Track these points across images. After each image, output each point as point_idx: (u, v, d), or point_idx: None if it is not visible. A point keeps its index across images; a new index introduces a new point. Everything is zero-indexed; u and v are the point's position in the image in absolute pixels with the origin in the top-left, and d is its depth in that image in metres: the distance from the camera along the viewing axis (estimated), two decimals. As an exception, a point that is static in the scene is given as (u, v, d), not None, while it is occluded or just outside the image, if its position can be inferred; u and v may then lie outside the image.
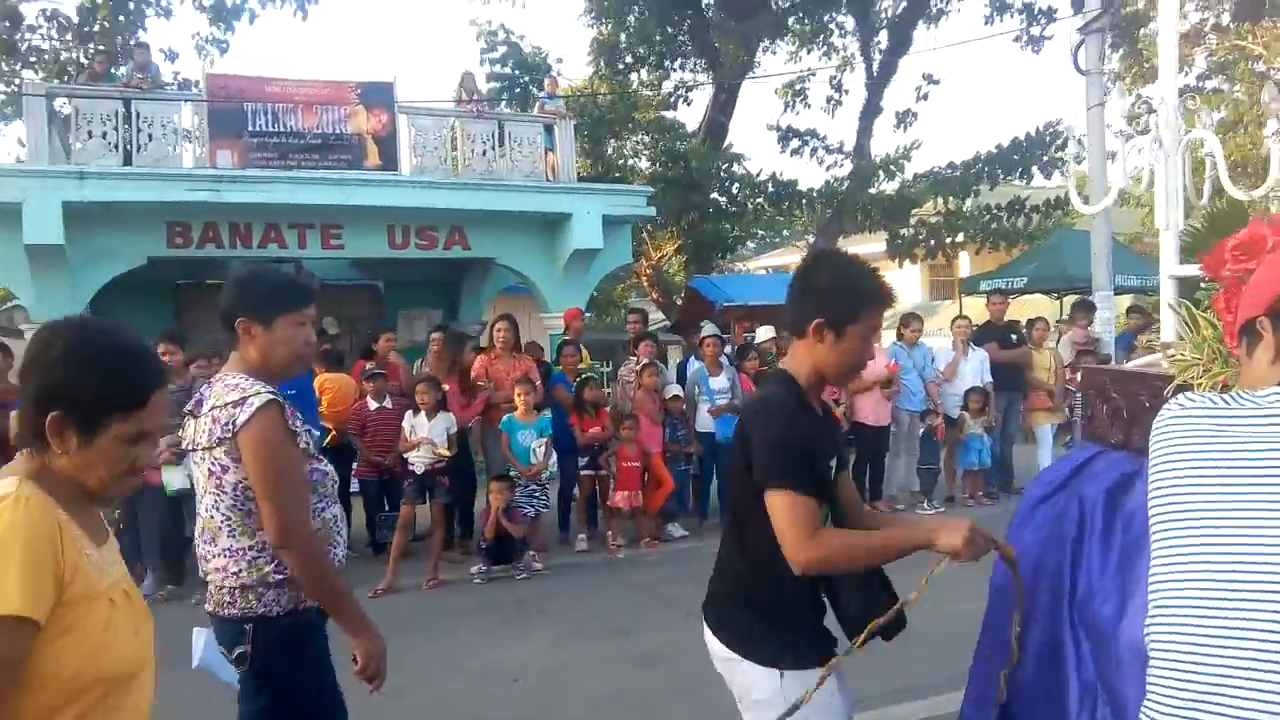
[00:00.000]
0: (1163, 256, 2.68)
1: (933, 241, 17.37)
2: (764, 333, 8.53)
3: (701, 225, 17.01)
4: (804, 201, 17.19)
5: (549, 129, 11.99)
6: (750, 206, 16.90)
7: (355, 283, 14.05)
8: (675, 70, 18.58)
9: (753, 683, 2.09)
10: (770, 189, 16.75)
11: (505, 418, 7.41)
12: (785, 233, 19.57)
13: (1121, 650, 1.84)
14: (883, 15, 17.74)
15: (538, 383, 7.72)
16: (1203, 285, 2.16)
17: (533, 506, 7.24)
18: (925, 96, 18.36)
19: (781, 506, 1.97)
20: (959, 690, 2.37)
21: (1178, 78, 2.72)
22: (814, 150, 18.72)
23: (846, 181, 17.25)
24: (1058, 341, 10.12)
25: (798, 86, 19.34)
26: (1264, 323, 1.44)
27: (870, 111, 17.79)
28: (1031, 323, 9.89)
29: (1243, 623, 1.28)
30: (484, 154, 11.56)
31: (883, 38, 17.84)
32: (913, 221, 17.71)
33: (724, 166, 17.15)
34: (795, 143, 18.67)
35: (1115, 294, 13.95)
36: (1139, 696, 1.46)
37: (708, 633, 2.21)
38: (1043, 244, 15.73)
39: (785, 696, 2.00)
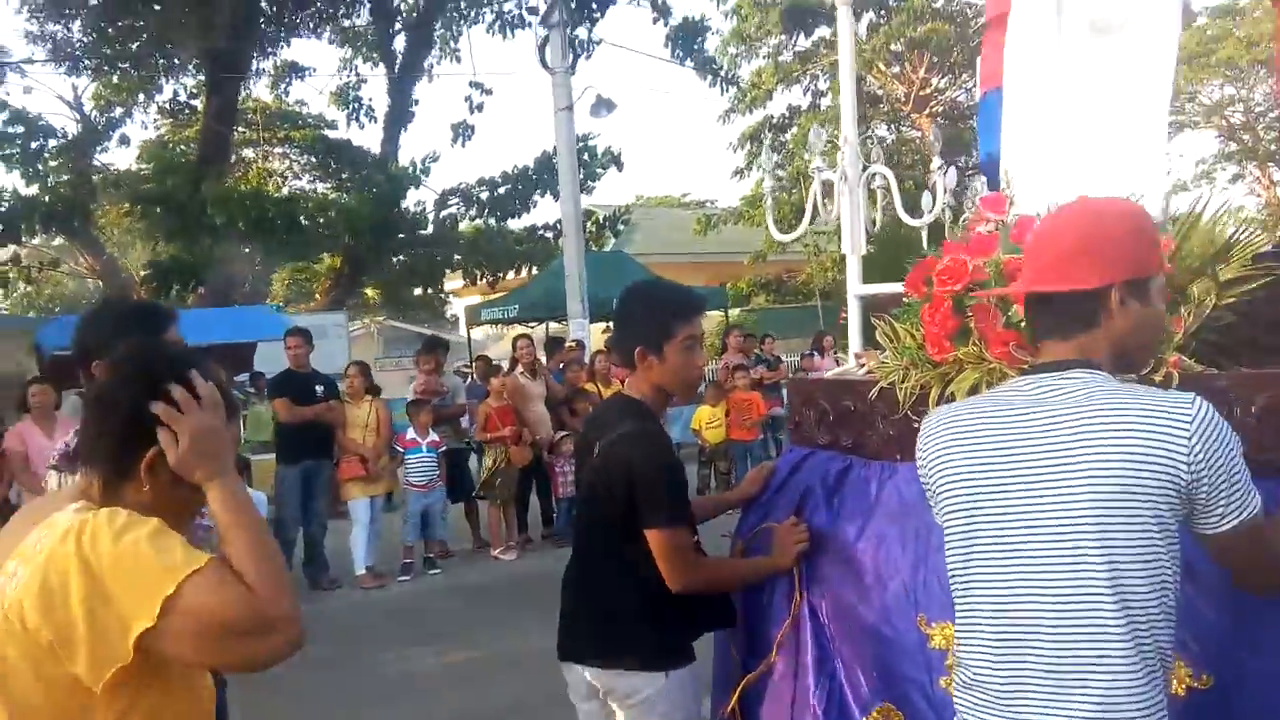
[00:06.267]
0: (849, 278, 3.10)
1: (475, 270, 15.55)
2: None
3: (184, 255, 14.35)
4: (319, 224, 14.93)
5: None
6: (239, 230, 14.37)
7: None
8: (171, 76, 15.94)
9: (637, 688, 2.24)
10: (265, 211, 14.32)
11: None
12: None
13: (858, 622, 2.16)
14: (401, 13, 15.85)
15: None
16: (905, 301, 2.29)
17: None
18: (480, 108, 16.53)
19: (667, 541, 2.18)
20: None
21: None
22: (350, 164, 16.61)
23: (373, 197, 15.14)
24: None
25: (352, 95, 17.19)
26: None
27: (398, 118, 15.81)
28: (348, 369, 7.91)
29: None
30: None
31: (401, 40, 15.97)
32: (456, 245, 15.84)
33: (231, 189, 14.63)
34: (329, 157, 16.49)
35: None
36: (869, 665, 2.09)
37: (574, 668, 2.32)
38: (545, 269, 14.13)
39: (667, 694, 2.23)
